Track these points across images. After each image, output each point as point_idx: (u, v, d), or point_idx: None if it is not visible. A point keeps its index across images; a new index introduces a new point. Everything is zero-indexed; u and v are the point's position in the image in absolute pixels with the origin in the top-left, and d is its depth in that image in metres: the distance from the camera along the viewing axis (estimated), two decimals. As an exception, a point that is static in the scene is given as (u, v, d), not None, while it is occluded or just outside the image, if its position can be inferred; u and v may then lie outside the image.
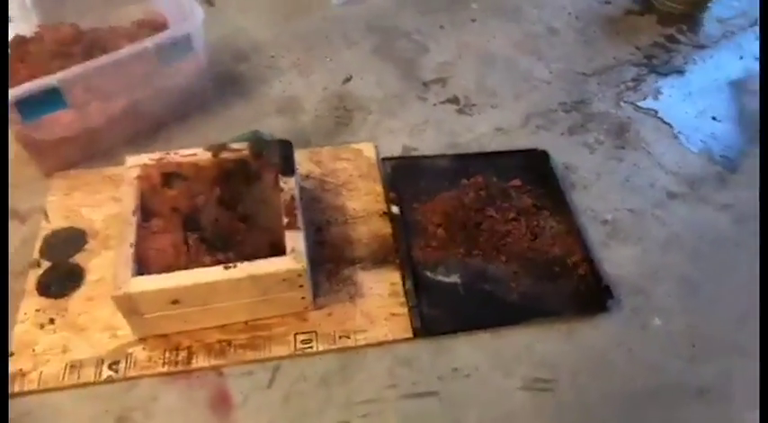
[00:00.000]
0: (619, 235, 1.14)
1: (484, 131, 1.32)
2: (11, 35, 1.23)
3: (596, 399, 0.94)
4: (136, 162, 1.02)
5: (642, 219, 1.17)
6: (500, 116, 1.35)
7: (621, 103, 1.39)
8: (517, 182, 1.20)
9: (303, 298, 0.98)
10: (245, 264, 0.90)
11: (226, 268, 0.90)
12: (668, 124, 1.35)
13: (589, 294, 1.05)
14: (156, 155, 1.03)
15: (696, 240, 1.14)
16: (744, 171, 1.26)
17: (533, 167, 1.23)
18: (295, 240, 0.93)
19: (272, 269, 0.90)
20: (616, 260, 1.10)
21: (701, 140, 1.32)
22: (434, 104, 1.37)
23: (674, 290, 1.07)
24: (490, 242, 1.10)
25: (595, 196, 1.20)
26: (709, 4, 1.63)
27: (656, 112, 1.38)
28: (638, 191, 1.22)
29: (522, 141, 1.30)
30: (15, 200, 1.14)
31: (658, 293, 1.07)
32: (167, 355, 0.95)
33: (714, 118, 1.36)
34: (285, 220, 0.95)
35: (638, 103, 1.39)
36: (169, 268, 0.91)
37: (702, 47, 1.54)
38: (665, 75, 1.47)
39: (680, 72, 1.48)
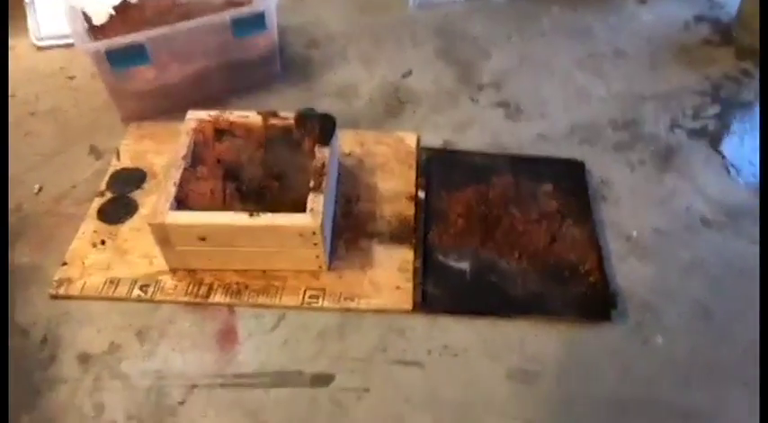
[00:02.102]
0: (639, 252, 1.14)
1: (527, 137, 1.35)
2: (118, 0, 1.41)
3: (578, 400, 0.95)
4: (195, 116, 1.15)
5: (668, 240, 1.16)
6: (546, 125, 1.37)
7: (675, 129, 1.37)
8: (548, 187, 1.22)
9: (317, 257, 1.06)
10: (268, 215, 1.00)
11: (250, 215, 0.99)
12: (720, 155, 1.32)
13: (594, 302, 1.06)
14: (214, 113, 1.15)
15: (721, 269, 1.11)
16: (792, 211, 1.21)
17: (567, 176, 1.25)
18: (316, 202, 1.02)
19: (289, 223, 0.99)
20: (631, 275, 1.10)
21: (752, 175, 1.28)
22: (484, 106, 1.42)
23: (685, 313, 1.05)
24: (507, 238, 1.13)
25: (625, 212, 1.20)
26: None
27: (711, 142, 1.35)
28: (670, 213, 1.20)
29: (563, 151, 1.31)
30: (97, 139, 1.31)
31: (668, 313, 1.05)
32: (191, 287, 1.06)
33: (772, 155, 1.32)
34: (311, 183, 1.04)
35: (693, 131, 1.37)
36: (205, 210, 1.03)
37: (777, 84, 1.49)
38: (731, 106, 1.43)
39: (747, 105, 1.43)
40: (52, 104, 1.38)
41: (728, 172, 1.29)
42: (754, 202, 1.23)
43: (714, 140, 1.35)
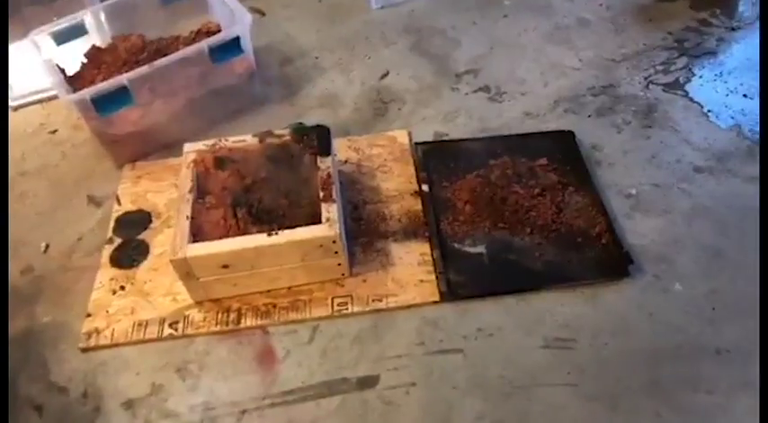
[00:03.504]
0: (643, 207, 1.18)
1: (513, 116, 1.38)
2: (88, 46, 1.40)
3: (615, 356, 0.98)
4: (192, 148, 1.16)
5: (667, 192, 1.20)
6: (529, 102, 1.41)
7: (650, 86, 1.42)
8: (543, 161, 1.26)
9: (339, 264, 1.07)
10: (287, 231, 1.01)
11: (269, 235, 1.01)
12: (697, 103, 1.37)
13: (611, 261, 1.09)
14: (210, 142, 1.16)
15: (722, 210, 1.16)
16: (775, 145, 1.26)
17: (559, 147, 1.29)
18: (330, 211, 1.03)
19: (310, 235, 1.01)
20: (640, 231, 1.14)
21: (730, 117, 1.33)
22: (466, 94, 1.45)
23: (698, 257, 1.10)
24: (515, 216, 1.17)
25: (621, 172, 1.25)
26: (744, -13, 1.63)
27: (686, 92, 1.40)
28: (664, 166, 1.25)
29: (551, 125, 1.35)
30: (93, 188, 1.31)
31: (681, 261, 1.10)
32: (219, 316, 1.07)
33: (745, 95, 1.38)
34: (321, 194, 1.06)
35: (668, 85, 1.42)
36: (221, 238, 1.03)
37: (736, 29, 1.55)
38: (697, 57, 1.49)
39: (712, 53, 1.49)
40: (40, 161, 1.37)
41: (707, 118, 1.34)
42: (737, 142, 1.28)
43: (688, 91, 1.40)
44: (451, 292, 1.07)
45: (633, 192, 1.21)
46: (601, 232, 1.13)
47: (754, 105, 1.35)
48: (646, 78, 1.45)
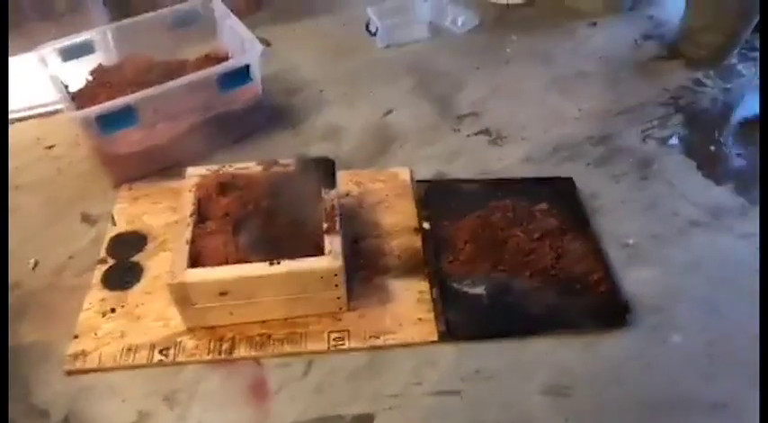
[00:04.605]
0: (640, 258, 1.19)
1: (513, 161, 1.40)
2: (94, 65, 1.40)
3: (612, 406, 0.98)
4: (195, 172, 1.15)
5: (664, 244, 1.22)
6: (529, 147, 1.44)
7: (647, 140, 1.46)
8: (543, 206, 1.27)
9: (338, 298, 1.06)
10: (288, 261, 1.00)
11: (271, 264, 0.99)
12: (692, 159, 1.41)
13: (609, 310, 1.10)
14: (214, 167, 1.16)
15: (717, 266, 1.18)
16: (767, 204, 1.30)
17: (559, 194, 1.30)
18: (333, 243, 1.03)
19: (312, 267, 1.00)
20: (637, 280, 1.15)
21: (723, 176, 1.37)
22: (467, 135, 1.47)
23: (694, 310, 1.11)
24: (515, 259, 1.17)
25: (618, 222, 1.26)
26: (735, 51, 1.70)
27: (681, 148, 1.44)
28: (660, 219, 1.27)
29: (550, 171, 1.37)
30: (87, 206, 1.28)
31: (678, 313, 1.11)
32: (212, 344, 1.04)
33: (739, 154, 1.42)
34: (325, 226, 1.05)
35: (664, 140, 1.46)
36: (220, 265, 1.02)
37: (728, 90, 1.61)
38: (692, 113, 1.53)
39: (706, 111, 1.54)
40: (35, 176, 1.35)
41: (702, 174, 1.37)
42: (732, 199, 1.31)
43: (684, 147, 1.44)
44: (450, 333, 1.06)
45: (630, 241, 1.22)
46: (599, 280, 1.14)
47: (747, 165, 1.39)
48: (643, 131, 1.48)
